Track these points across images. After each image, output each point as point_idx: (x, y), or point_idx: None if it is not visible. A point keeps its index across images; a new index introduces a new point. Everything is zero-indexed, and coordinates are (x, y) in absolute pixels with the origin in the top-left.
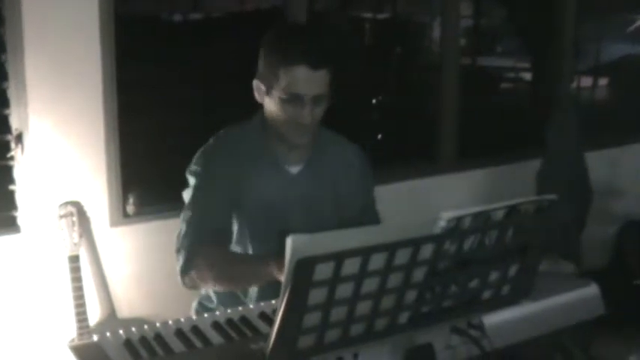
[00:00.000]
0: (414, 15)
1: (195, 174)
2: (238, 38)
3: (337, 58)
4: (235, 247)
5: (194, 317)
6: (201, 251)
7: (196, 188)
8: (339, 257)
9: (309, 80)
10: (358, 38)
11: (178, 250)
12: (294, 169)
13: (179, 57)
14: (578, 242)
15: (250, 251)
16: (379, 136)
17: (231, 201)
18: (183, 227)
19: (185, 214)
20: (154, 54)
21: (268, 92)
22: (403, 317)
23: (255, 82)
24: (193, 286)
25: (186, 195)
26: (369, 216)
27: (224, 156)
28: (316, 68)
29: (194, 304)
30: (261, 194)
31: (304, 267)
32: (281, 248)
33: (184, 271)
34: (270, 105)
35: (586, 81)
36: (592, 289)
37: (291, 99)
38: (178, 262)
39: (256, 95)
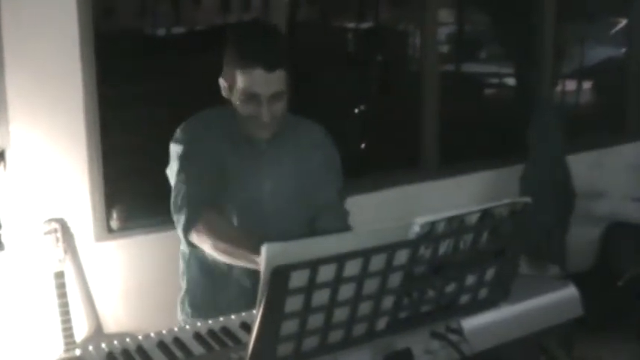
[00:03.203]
0: (396, 24)
1: (181, 141)
2: (222, 50)
3: (290, 56)
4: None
5: (175, 329)
6: (202, 213)
7: (185, 154)
8: (314, 265)
9: (265, 81)
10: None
11: (179, 210)
12: (263, 145)
13: (162, 71)
14: (563, 245)
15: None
16: (362, 145)
17: (218, 167)
18: (182, 188)
19: (179, 178)
20: (136, 69)
21: (230, 91)
22: (381, 323)
23: (220, 80)
24: (193, 247)
25: (173, 165)
26: (334, 206)
27: (206, 128)
28: (271, 70)
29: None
30: (236, 166)
31: (279, 275)
32: (255, 222)
33: (186, 229)
34: (234, 102)
35: (570, 84)
36: (570, 291)
37: (249, 99)
38: (179, 222)
39: (223, 92)
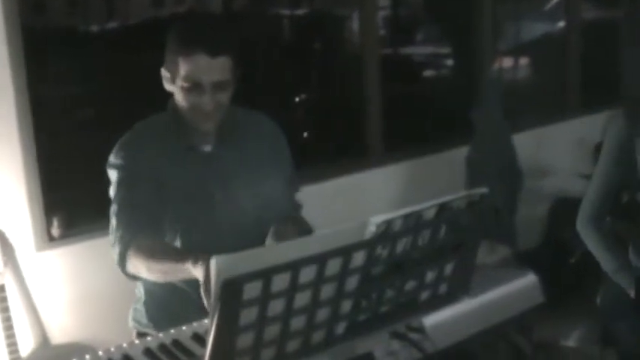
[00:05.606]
0: (332, 8)
1: (116, 167)
2: (158, 45)
3: (236, 45)
4: (167, 236)
5: (125, 345)
6: (132, 243)
7: (120, 181)
8: (266, 274)
9: (208, 68)
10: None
11: (113, 244)
12: (207, 148)
13: (97, 69)
14: (512, 225)
15: (179, 239)
16: (305, 135)
17: (156, 189)
18: (114, 221)
19: (113, 208)
20: (70, 68)
21: (173, 80)
22: (340, 328)
23: (162, 71)
24: (134, 277)
25: (112, 191)
26: (283, 198)
27: (142, 146)
28: (214, 55)
29: (130, 314)
30: (179, 179)
31: (231, 288)
32: (206, 233)
33: (120, 264)
34: (176, 93)
35: (507, 62)
36: (530, 279)
37: (192, 87)
38: (115, 257)
39: (165, 84)
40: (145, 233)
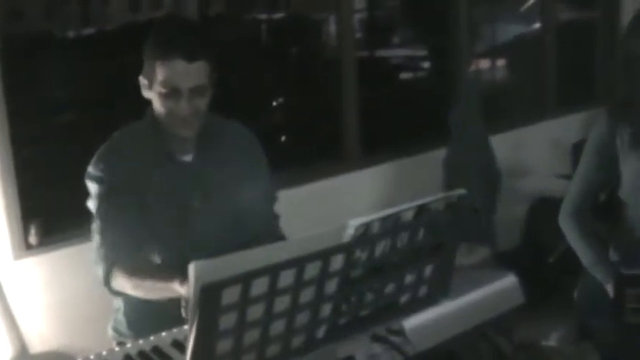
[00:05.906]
0: (308, 12)
1: (96, 180)
2: (136, 50)
3: (214, 49)
4: (146, 246)
5: (104, 353)
6: (117, 262)
7: (101, 196)
8: (245, 279)
9: (186, 73)
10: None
11: (96, 262)
12: (187, 157)
13: (75, 75)
14: (491, 226)
15: (157, 247)
16: (283, 138)
17: (137, 202)
18: (97, 239)
19: (96, 225)
20: (48, 74)
21: (150, 87)
22: (320, 332)
23: (140, 79)
24: (119, 294)
25: (92, 204)
26: (260, 210)
27: (121, 157)
28: (192, 60)
29: (110, 325)
30: (159, 188)
31: (210, 293)
32: (183, 243)
33: (105, 283)
34: (154, 99)
35: (484, 63)
36: (510, 280)
37: (170, 92)
38: (99, 274)
39: (143, 91)
40: (129, 252)
